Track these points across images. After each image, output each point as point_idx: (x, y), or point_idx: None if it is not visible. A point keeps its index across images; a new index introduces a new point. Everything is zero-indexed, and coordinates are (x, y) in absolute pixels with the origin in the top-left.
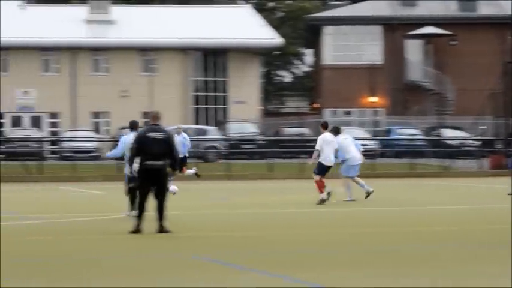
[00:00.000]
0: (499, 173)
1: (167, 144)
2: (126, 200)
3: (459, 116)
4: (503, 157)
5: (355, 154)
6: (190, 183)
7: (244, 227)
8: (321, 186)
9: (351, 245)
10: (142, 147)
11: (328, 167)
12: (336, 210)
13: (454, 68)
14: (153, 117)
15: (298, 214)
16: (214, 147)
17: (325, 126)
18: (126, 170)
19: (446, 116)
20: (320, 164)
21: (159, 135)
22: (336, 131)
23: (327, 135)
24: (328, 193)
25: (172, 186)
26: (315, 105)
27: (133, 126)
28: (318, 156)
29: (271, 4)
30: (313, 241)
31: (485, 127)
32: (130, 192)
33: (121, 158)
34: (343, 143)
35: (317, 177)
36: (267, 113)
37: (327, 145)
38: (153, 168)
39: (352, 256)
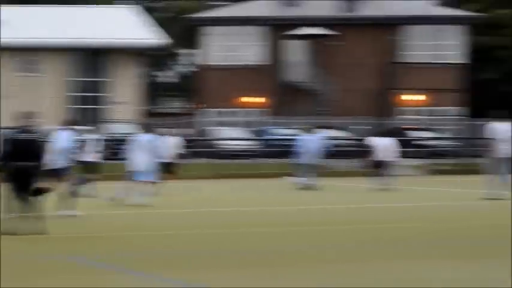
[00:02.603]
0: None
1: (36, 145)
2: None
3: (341, 116)
4: None
5: None
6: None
7: (130, 227)
8: None
9: (234, 245)
10: (13, 148)
11: None
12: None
13: (336, 68)
14: (23, 118)
15: (172, 214)
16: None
17: None
18: None
19: (327, 116)
20: None
21: (30, 136)
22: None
23: None
24: None
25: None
26: (199, 106)
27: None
28: None
29: (156, 4)
30: (193, 242)
31: (364, 127)
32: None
33: None
34: None
35: None
36: (150, 114)
37: None
38: (22, 168)
39: (239, 256)
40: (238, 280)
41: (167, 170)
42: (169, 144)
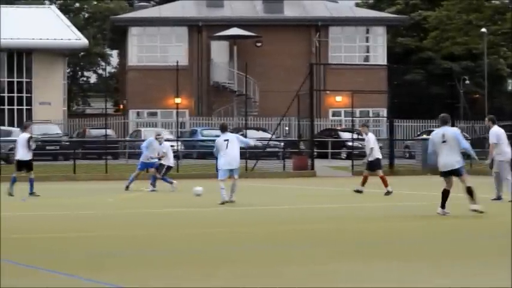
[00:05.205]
0: (303, 173)
1: None
2: None
3: (264, 117)
4: (307, 158)
5: None
6: None
7: (47, 228)
8: None
9: (159, 246)
10: None
11: None
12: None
13: (260, 69)
14: None
15: (97, 216)
16: None
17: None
18: None
19: (251, 117)
20: None
21: None
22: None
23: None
24: None
25: None
26: (120, 107)
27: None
28: None
29: (77, 5)
30: (118, 242)
31: (287, 128)
32: None
33: None
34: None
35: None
36: (72, 114)
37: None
38: None
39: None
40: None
41: None
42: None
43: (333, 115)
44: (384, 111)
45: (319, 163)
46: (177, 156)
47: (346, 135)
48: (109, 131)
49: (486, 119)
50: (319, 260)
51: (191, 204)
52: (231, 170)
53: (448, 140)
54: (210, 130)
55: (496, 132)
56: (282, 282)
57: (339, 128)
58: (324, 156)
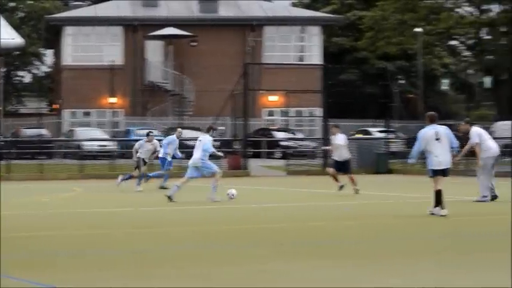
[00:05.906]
0: (237, 173)
1: None
2: None
3: (199, 116)
4: (241, 158)
5: None
6: None
7: None
8: None
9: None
10: None
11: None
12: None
13: (195, 69)
14: None
15: (34, 216)
16: None
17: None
18: None
19: (185, 116)
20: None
21: None
22: None
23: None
24: None
25: None
26: (55, 106)
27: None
28: None
29: (11, 4)
30: (51, 242)
31: (223, 128)
32: None
33: None
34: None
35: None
36: (7, 114)
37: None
38: None
39: (99, 258)
40: (99, 281)
41: None
42: None
43: (268, 115)
44: (318, 111)
45: (253, 163)
46: (111, 156)
47: (280, 135)
48: (43, 131)
49: (463, 122)
50: (258, 259)
51: (130, 204)
52: (198, 169)
53: (441, 138)
54: (144, 130)
55: (476, 131)
56: (219, 282)
57: (273, 127)
58: (258, 155)
